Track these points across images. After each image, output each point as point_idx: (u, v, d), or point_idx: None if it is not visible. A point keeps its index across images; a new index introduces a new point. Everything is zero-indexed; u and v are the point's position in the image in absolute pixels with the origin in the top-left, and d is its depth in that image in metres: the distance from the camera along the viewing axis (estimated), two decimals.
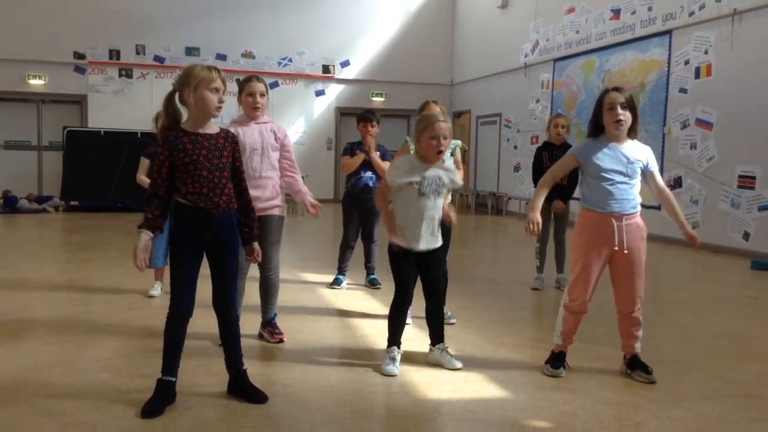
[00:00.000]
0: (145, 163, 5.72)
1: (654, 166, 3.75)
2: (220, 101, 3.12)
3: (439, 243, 3.86)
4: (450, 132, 3.73)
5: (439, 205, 3.79)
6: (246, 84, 4.18)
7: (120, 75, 15.68)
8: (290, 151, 4.33)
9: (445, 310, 4.98)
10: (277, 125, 4.30)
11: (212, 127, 3.20)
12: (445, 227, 4.08)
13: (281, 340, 4.30)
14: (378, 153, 6.01)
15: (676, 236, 9.90)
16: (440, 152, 3.70)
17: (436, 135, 3.65)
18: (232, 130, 3.56)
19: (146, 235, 3.04)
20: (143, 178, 5.64)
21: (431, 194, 3.72)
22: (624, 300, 3.74)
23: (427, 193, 3.71)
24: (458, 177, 3.89)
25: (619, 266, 3.68)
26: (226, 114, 3.81)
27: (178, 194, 3.12)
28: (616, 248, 3.60)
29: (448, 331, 4.30)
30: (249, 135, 4.10)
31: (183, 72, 3.16)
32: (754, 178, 8.79)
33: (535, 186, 6.50)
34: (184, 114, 3.18)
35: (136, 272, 6.18)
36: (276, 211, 4.21)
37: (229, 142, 3.21)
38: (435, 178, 3.73)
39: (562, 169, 3.91)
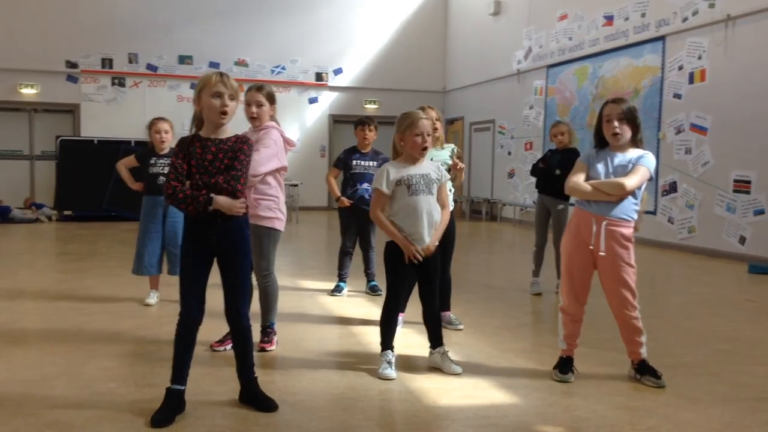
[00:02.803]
0: (131, 159, 5.76)
1: (639, 161, 3.64)
2: (224, 105, 3.07)
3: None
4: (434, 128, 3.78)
5: (433, 202, 3.80)
6: (245, 94, 4.20)
7: (113, 84, 15.62)
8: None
9: (451, 317, 4.99)
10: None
11: (227, 133, 3.17)
12: (449, 233, 4.08)
13: (262, 349, 4.17)
14: (376, 163, 6.10)
15: (671, 241, 9.96)
16: (425, 149, 3.75)
17: (420, 132, 3.71)
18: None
19: (213, 195, 3.05)
20: (122, 167, 5.75)
21: (421, 192, 3.75)
22: (613, 303, 3.75)
23: (417, 191, 3.74)
24: (444, 171, 3.92)
25: (602, 269, 3.71)
26: (241, 123, 3.78)
27: None
28: (591, 248, 3.62)
29: (452, 337, 4.29)
30: None
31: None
32: (749, 182, 8.83)
33: (537, 184, 6.60)
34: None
35: (134, 282, 6.19)
36: (258, 221, 4.06)
37: (238, 144, 3.14)
38: (422, 176, 3.77)
39: (576, 174, 3.79)
